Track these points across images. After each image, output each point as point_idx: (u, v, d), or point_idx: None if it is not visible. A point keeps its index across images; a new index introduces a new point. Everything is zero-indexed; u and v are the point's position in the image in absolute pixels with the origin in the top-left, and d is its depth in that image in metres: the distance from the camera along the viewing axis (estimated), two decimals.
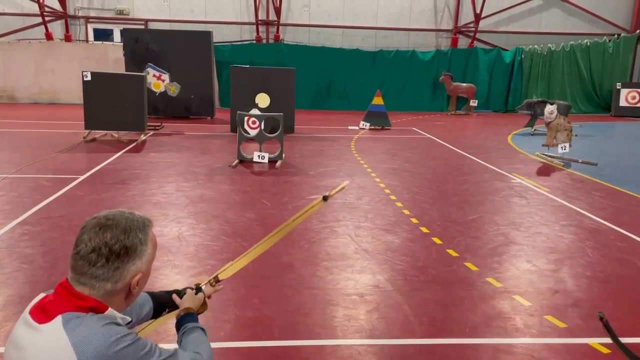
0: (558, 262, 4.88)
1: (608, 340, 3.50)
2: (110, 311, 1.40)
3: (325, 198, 2.12)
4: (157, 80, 14.61)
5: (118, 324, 1.37)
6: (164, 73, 14.60)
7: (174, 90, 14.59)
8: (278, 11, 19.22)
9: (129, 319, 1.50)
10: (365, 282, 4.33)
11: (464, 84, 18.61)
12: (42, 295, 1.45)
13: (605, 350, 3.37)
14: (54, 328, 1.31)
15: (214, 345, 3.31)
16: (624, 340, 3.53)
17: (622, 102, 19.24)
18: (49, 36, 18.32)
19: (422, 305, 3.95)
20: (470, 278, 4.46)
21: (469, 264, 4.75)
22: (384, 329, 3.60)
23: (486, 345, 3.44)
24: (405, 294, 4.13)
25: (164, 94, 14.76)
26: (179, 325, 1.76)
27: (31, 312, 1.39)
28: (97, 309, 1.37)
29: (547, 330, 3.63)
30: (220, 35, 18.82)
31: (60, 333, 1.29)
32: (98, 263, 1.37)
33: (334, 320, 3.69)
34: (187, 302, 1.87)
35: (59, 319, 1.32)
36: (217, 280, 2.05)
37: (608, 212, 6.53)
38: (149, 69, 14.43)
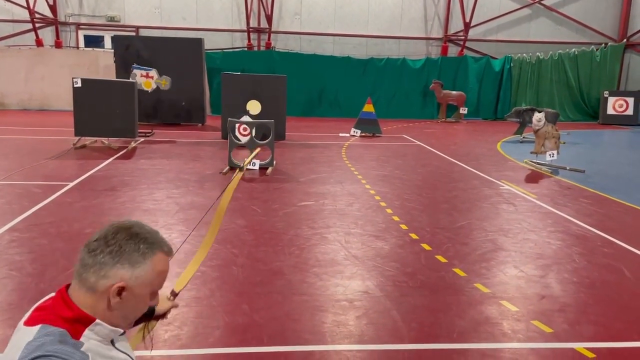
0: (545, 268, 4.94)
1: (594, 344, 3.55)
2: (98, 324, 1.35)
3: (241, 169, 2.13)
4: (147, 79, 14.53)
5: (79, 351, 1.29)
6: (150, 70, 14.52)
7: (165, 83, 14.48)
8: (269, 19, 19.31)
9: (121, 330, 1.42)
10: (354, 288, 4.35)
11: (454, 92, 18.77)
12: (47, 297, 1.43)
13: (591, 355, 3.41)
14: (26, 334, 1.30)
15: (203, 351, 3.33)
16: (609, 345, 3.58)
17: (610, 110, 19.49)
18: (39, 42, 18.27)
19: (411, 311, 3.98)
20: (458, 284, 4.50)
21: (457, 270, 4.79)
22: (372, 334, 3.63)
23: (474, 350, 3.47)
24: (394, 299, 4.15)
25: (156, 94, 14.70)
26: None
27: (31, 312, 1.39)
28: (83, 320, 1.33)
29: (534, 335, 3.67)
30: (212, 43, 18.88)
31: (24, 341, 1.28)
32: (93, 252, 1.36)
33: (323, 326, 3.70)
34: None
35: (36, 328, 1.30)
36: (174, 294, 1.91)
37: (595, 219, 6.61)
38: (135, 70, 14.40)
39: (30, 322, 1.33)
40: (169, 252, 1.46)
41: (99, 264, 1.35)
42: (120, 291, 1.36)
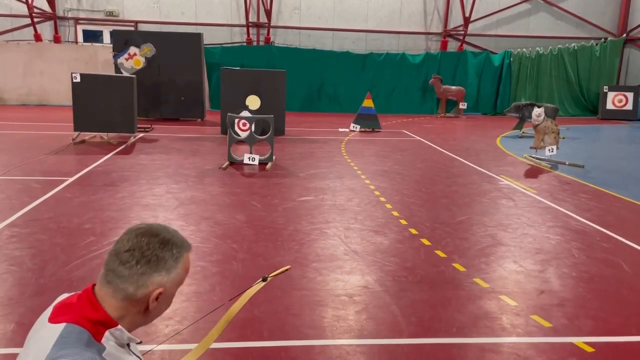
0: (544, 262, 4.95)
1: (593, 339, 3.56)
2: (119, 329, 1.39)
3: (264, 279, 2.05)
4: (134, 59, 14.22)
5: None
6: (129, 48, 14.08)
7: (148, 50, 14.19)
8: (269, 13, 19.25)
9: (138, 340, 1.47)
10: (354, 283, 4.36)
11: (454, 87, 18.75)
12: (70, 294, 1.47)
13: (589, 349, 3.43)
14: (53, 332, 1.34)
15: None
16: (608, 339, 3.60)
17: (609, 105, 19.48)
18: (37, 37, 18.20)
19: (410, 305, 3.99)
20: (458, 278, 4.51)
21: (457, 265, 4.80)
22: (372, 329, 3.64)
23: (473, 345, 3.48)
24: (394, 294, 4.17)
25: (156, 89, 14.61)
26: None
27: (54, 308, 1.42)
28: (106, 323, 1.37)
29: (533, 329, 3.69)
30: (211, 37, 18.82)
31: (50, 340, 1.31)
32: (127, 264, 1.39)
33: (323, 321, 3.72)
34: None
35: (62, 326, 1.34)
36: None
37: (594, 214, 6.63)
38: (119, 59, 14.14)
39: (55, 320, 1.37)
40: (190, 249, 1.52)
41: (138, 274, 1.39)
42: (159, 295, 1.42)
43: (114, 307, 1.40)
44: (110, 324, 1.38)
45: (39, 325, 1.42)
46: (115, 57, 14.06)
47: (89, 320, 1.36)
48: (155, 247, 1.41)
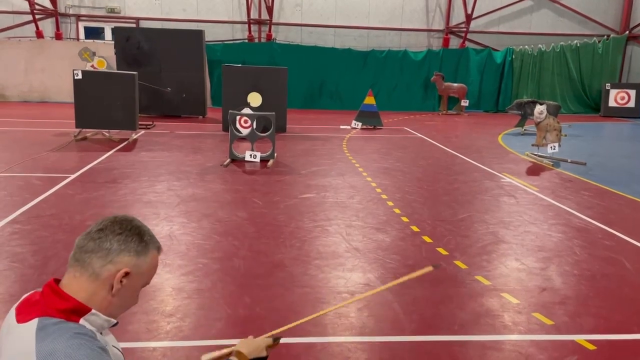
0: (546, 260, 4.94)
1: (595, 337, 3.56)
2: (93, 314, 1.36)
3: (436, 266, 1.74)
4: (97, 61, 15.83)
5: (92, 337, 1.31)
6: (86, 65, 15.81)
7: (87, 55, 16.23)
8: (270, 10, 19.22)
9: (114, 321, 1.43)
10: (356, 280, 4.36)
11: (455, 84, 18.71)
12: (30, 293, 1.42)
13: (591, 347, 3.43)
14: (27, 330, 1.29)
15: (205, 343, 3.34)
16: (610, 337, 3.59)
17: (611, 103, 19.43)
18: (39, 34, 18.20)
19: (412, 303, 3.99)
20: (459, 276, 4.51)
21: (458, 263, 4.80)
22: (374, 326, 3.64)
23: (474, 342, 3.48)
24: (395, 292, 4.16)
25: (157, 86, 14.72)
26: None
27: (17, 309, 1.37)
28: (79, 310, 1.34)
29: (535, 327, 3.68)
30: (212, 34, 18.80)
31: (30, 337, 1.27)
32: (98, 240, 1.38)
33: (324, 318, 3.71)
34: (242, 346, 1.79)
35: (35, 322, 1.29)
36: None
37: (596, 212, 6.61)
38: (91, 62, 15.86)
39: (24, 319, 1.32)
40: (160, 251, 1.51)
41: (106, 249, 1.38)
42: (124, 276, 1.39)
43: (81, 289, 1.36)
44: (82, 310, 1.34)
45: (7, 328, 1.36)
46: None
47: (60, 310, 1.32)
48: (126, 228, 1.41)
